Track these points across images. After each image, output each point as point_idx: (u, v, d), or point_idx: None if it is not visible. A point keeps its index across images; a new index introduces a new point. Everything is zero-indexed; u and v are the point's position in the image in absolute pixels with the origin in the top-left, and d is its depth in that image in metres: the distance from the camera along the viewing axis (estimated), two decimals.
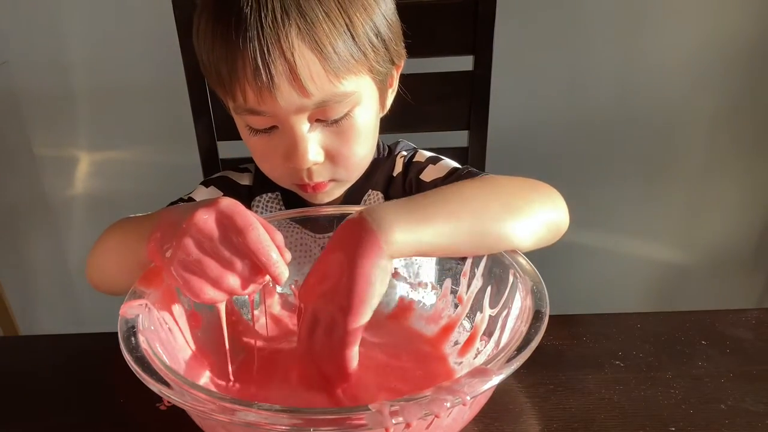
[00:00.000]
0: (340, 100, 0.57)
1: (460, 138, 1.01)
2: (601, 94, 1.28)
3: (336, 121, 0.59)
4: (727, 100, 1.28)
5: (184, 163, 1.11)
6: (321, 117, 0.58)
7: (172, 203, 0.69)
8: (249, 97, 0.56)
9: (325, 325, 0.47)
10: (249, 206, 0.48)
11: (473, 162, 1.00)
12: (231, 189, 0.74)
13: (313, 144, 0.59)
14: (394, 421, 0.35)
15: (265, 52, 0.53)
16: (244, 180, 0.76)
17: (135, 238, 0.52)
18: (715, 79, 1.26)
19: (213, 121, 0.95)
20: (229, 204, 0.46)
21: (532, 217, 0.53)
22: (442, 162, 0.71)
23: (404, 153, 0.74)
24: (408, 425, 0.36)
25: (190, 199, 0.72)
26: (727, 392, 0.53)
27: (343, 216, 0.62)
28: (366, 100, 0.60)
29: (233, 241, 0.45)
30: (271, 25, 0.52)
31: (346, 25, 0.55)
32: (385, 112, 0.68)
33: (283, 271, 0.46)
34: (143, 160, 1.35)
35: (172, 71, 0.99)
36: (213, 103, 0.92)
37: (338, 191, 0.67)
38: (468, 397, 0.36)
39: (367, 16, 0.57)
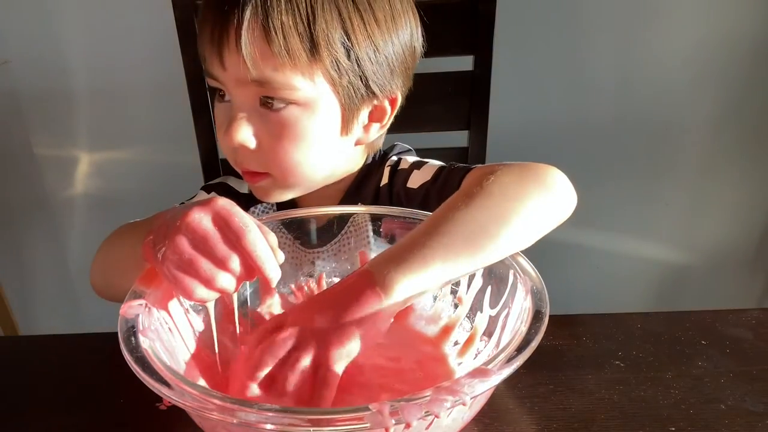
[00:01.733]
0: (278, 87, 0.59)
1: (460, 138, 1.01)
2: (601, 94, 1.27)
3: (277, 111, 0.60)
4: (727, 100, 1.28)
5: (184, 163, 1.11)
6: (264, 95, 0.60)
7: None
8: (206, 57, 0.61)
9: (305, 354, 0.44)
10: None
11: (473, 162, 1.00)
12: (230, 196, 0.73)
13: (246, 124, 0.61)
14: (394, 421, 0.35)
15: (222, 17, 0.57)
16: (244, 188, 0.76)
17: (134, 243, 0.52)
18: (716, 79, 1.26)
19: (213, 121, 0.95)
20: (225, 204, 0.46)
21: (530, 217, 0.52)
22: (427, 165, 0.69)
23: (393, 159, 0.73)
24: (408, 425, 0.36)
25: None
26: (727, 392, 0.53)
27: (332, 221, 0.63)
28: (317, 108, 0.61)
29: (227, 242, 0.45)
30: None
31: (308, 21, 0.57)
32: (362, 140, 0.67)
33: (277, 273, 0.46)
34: (143, 160, 1.35)
35: (172, 71, 0.99)
36: (213, 103, 0.93)
37: (279, 194, 0.67)
38: (468, 398, 0.36)
39: (341, 29, 0.58)
